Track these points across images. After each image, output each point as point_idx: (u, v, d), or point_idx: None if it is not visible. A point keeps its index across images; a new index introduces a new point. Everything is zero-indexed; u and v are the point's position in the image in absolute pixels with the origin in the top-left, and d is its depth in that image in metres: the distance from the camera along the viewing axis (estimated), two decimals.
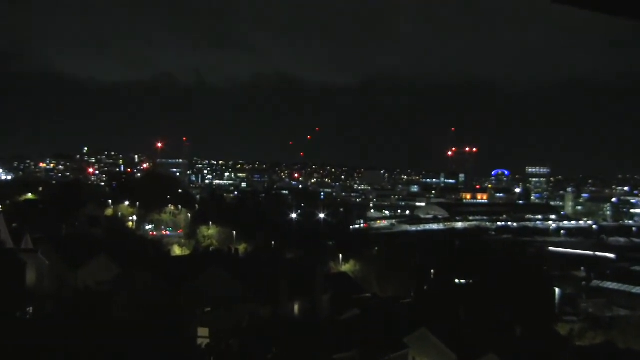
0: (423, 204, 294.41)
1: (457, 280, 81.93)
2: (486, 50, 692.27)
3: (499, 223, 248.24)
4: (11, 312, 40.68)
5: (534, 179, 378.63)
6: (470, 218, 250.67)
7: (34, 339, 32.63)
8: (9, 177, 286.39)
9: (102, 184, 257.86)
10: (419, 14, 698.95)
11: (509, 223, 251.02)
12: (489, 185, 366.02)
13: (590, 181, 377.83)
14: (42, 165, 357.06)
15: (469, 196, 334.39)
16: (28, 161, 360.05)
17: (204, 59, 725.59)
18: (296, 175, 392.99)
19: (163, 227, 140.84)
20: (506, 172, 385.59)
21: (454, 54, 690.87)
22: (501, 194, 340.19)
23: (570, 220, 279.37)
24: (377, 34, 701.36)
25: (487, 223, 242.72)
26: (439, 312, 53.61)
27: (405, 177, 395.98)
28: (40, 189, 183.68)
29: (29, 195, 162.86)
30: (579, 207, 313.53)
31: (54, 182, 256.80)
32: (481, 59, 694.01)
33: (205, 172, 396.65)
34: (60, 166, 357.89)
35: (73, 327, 33.75)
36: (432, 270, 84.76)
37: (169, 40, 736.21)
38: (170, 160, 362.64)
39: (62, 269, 65.64)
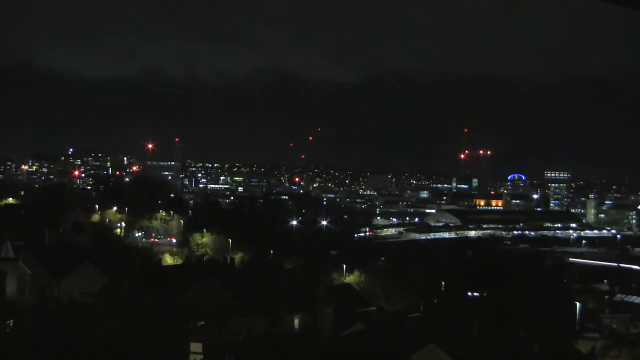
0: (433, 211, 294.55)
1: (469, 293, 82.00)
2: (501, 45, 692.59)
3: (515, 232, 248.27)
4: None
5: (553, 185, 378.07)
6: (484, 226, 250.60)
7: (14, 354, 32.73)
8: None
9: (88, 187, 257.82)
10: (427, 5, 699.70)
11: (526, 232, 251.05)
12: (505, 191, 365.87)
13: (614, 187, 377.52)
14: (23, 167, 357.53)
15: (482, 202, 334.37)
16: (9, 163, 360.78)
17: (196, 52, 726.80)
18: (297, 179, 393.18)
19: (154, 234, 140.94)
20: (523, 177, 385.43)
21: (467, 48, 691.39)
22: (518, 201, 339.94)
23: (592, 229, 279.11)
24: (385, 28, 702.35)
25: (503, 232, 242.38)
26: (449, 327, 53.60)
27: (414, 181, 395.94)
28: (22, 192, 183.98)
29: (10, 200, 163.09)
30: (602, 215, 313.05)
31: (36, 185, 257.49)
32: (496, 54, 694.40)
33: (199, 175, 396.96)
34: (44, 168, 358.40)
35: (56, 341, 33.88)
36: (443, 283, 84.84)
37: (158, 32, 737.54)
38: (161, 163, 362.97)
39: (45, 278, 65.84)
